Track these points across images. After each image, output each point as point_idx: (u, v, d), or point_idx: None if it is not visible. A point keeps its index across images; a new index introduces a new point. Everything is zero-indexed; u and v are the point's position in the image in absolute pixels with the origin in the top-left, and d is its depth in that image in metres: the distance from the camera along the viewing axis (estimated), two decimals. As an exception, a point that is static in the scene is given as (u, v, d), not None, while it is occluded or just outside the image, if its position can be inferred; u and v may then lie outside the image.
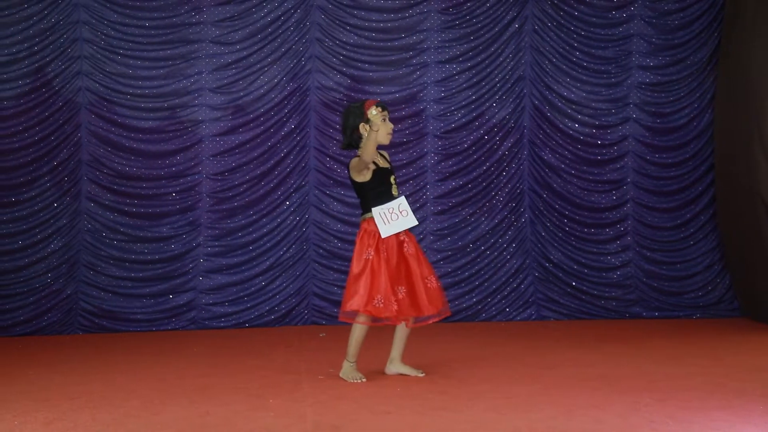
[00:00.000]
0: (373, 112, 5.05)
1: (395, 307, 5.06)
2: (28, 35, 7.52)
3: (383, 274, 5.08)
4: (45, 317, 7.49)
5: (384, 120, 5.09)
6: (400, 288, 5.13)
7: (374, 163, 5.15)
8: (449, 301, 7.89)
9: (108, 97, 7.69)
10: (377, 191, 5.18)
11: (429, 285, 5.20)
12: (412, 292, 5.17)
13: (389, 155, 5.45)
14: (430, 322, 5.29)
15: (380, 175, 5.18)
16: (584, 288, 8.11)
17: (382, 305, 5.04)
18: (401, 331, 5.34)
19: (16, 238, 7.54)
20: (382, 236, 5.13)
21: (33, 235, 7.55)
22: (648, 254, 8.24)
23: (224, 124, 7.83)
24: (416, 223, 5.21)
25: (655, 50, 8.21)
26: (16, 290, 7.48)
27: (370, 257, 5.11)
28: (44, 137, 7.58)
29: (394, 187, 5.22)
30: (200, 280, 7.75)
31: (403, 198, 5.19)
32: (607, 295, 8.13)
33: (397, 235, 5.18)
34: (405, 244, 5.20)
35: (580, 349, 6.40)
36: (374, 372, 5.42)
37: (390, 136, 5.17)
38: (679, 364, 5.69)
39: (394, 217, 5.14)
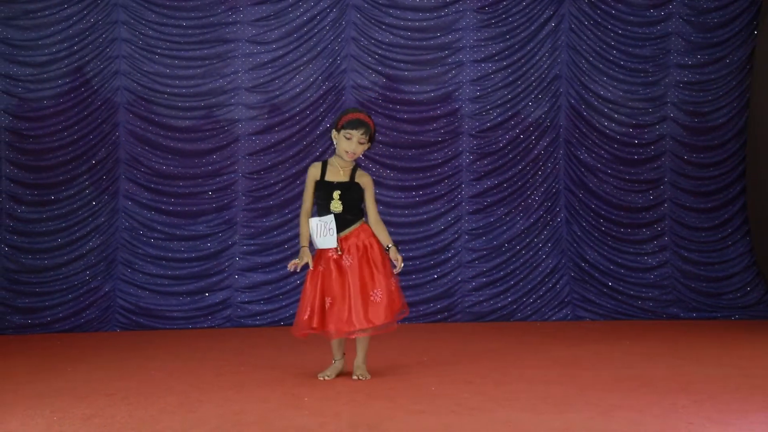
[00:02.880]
0: (340, 130, 5.10)
1: (313, 323, 5.10)
2: (68, 35, 7.62)
3: (313, 288, 5.13)
4: (84, 314, 7.57)
5: (348, 138, 5.09)
6: (327, 299, 5.13)
7: (322, 173, 5.15)
8: (485, 300, 7.93)
9: (145, 97, 7.76)
10: (319, 203, 5.19)
11: (372, 298, 5.13)
12: (342, 302, 5.12)
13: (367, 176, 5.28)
14: (365, 335, 5.21)
15: (324, 187, 5.14)
16: (621, 288, 8.05)
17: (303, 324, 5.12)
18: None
19: (56, 236, 7.64)
20: (316, 248, 5.16)
21: (72, 233, 7.65)
22: (685, 254, 8.16)
23: (260, 123, 7.87)
24: (334, 246, 5.10)
25: (693, 49, 8.13)
26: (56, 287, 7.58)
27: (309, 270, 5.15)
28: (83, 136, 7.67)
29: (334, 202, 5.12)
30: (236, 278, 7.80)
31: (331, 216, 5.11)
32: (644, 295, 8.06)
33: (354, 238, 5.16)
34: (348, 255, 5.14)
35: (617, 349, 6.35)
36: (407, 370, 5.41)
37: (348, 155, 5.11)
38: (718, 365, 5.63)
39: (324, 231, 5.12)
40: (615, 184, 8.14)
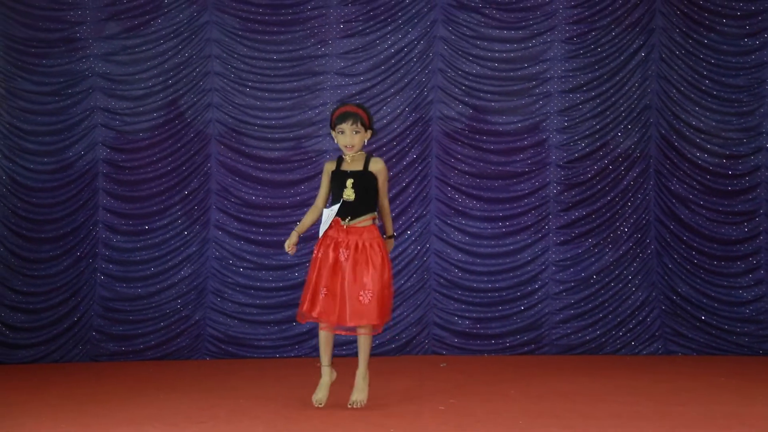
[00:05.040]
0: (334, 128, 5.25)
1: (313, 313, 5.18)
2: (163, 69, 7.86)
3: (311, 276, 5.22)
4: (174, 342, 7.73)
5: (342, 132, 5.20)
6: (322, 288, 5.17)
7: (337, 165, 5.27)
8: (573, 333, 7.81)
9: (237, 129, 7.93)
10: (333, 192, 5.29)
11: (361, 299, 5.12)
12: (333, 297, 5.15)
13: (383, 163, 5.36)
14: (356, 333, 5.28)
15: (338, 176, 5.25)
16: (714, 323, 7.84)
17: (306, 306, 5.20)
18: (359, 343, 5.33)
19: (149, 265, 7.84)
20: (320, 234, 5.25)
21: (164, 262, 7.84)
22: (783, 289, 7.91)
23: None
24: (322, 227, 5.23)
25: (790, 78, 7.93)
26: (148, 315, 7.77)
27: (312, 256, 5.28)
28: (176, 167, 7.87)
29: (347, 190, 5.19)
30: (323, 307, 7.84)
31: (336, 206, 5.20)
32: (738, 330, 7.83)
33: (356, 236, 5.18)
34: (346, 249, 5.16)
35: (710, 385, 6.18)
36: (494, 403, 5.37)
37: (347, 149, 5.23)
38: (818, 404, 5.43)
39: (330, 217, 5.21)
40: (708, 215, 7.95)
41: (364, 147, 5.31)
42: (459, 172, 7.95)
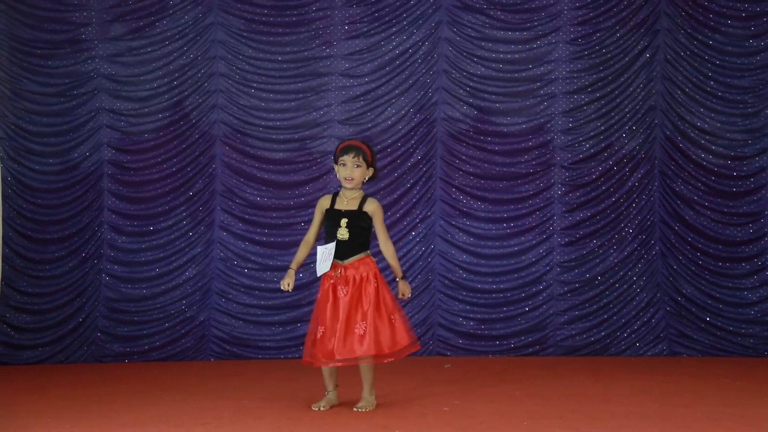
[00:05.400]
0: (336, 161, 5.31)
1: (314, 350, 5.22)
2: (168, 71, 7.86)
3: (319, 315, 5.26)
4: (179, 343, 7.74)
5: (343, 165, 5.27)
6: (320, 328, 5.22)
7: (332, 203, 5.32)
8: (578, 334, 7.81)
9: (241, 130, 7.94)
10: (327, 230, 5.33)
11: (356, 330, 5.18)
12: (331, 335, 5.19)
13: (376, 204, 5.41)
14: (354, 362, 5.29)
15: (332, 215, 5.30)
16: (719, 324, 7.83)
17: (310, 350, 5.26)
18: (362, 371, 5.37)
19: (154, 266, 7.85)
20: (318, 274, 5.29)
21: (169, 263, 7.85)
22: (788, 290, 7.90)
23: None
24: (327, 270, 5.26)
25: (796, 79, 7.92)
26: (153, 316, 7.77)
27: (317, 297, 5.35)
28: (181, 168, 7.88)
29: (341, 229, 5.25)
30: (327, 308, 7.85)
31: (331, 244, 5.24)
32: (743, 331, 7.82)
33: (353, 270, 5.26)
34: (345, 286, 5.23)
35: (716, 386, 6.18)
36: (499, 404, 5.37)
37: (347, 181, 5.29)
38: (823, 406, 5.42)
39: (326, 257, 5.26)
40: (713, 217, 7.94)
41: (363, 186, 5.40)
42: (463, 173, 7.95)
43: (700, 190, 7.94)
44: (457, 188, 7.93)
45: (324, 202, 5.38)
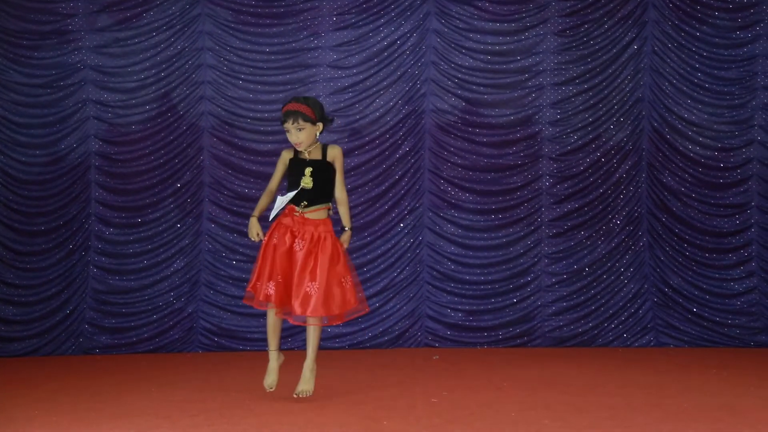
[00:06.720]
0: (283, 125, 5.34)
1: (269, 291, 5.19)
2: (156, 62, 7.83)
3: (265, 260, 5.24)
4: (167, 335, 7.73)
5: (288, 131, 5.31)
6: (277, 275, 5.21)
7: (295, 153, 5.35)
8: (566, 325, 7.84)
9: (229, 121, 7.92)
10: (290, 179, 5.35)
11: (308, 289, 5.17)
12: (285, 285, 5.21)
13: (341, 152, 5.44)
14: (304, 323, 5.33)
15: (296, 164, 5.33)
16: (706, 315, 7.87)
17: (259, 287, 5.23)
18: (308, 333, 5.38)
19: (142, 258, 7.83)
20: (269, 218, 5.31)
21: (157, 254, 7.83)
22: (774, 281, 7.95)
23: (340, 147, 7.92)
24: (274, 212, 5.31)
25: (782, 71, 7.95)
26: (141, 308, 7.76)
27: (264, 240, 5.30)
28: (168, 160, 7.86)
29: (305, 178, 5.26)
30: (316, 300, 7.85)
31: (291, 193, 5.26)
32: (730, 322, 7.87)
33: (312, 227, 5.24)
34: (301, 240, 5.22)
35: (702, 377, 6.21)
36: (486, 395, 5.38)
37: (298, 146, 5.33)
38: (808, 396, 5.46)
39: (283, 204, 5.28)
40: (699, 208, 7.97)
41: (318, 138, 5.39)
42: (452, 164, 7.95)
43: (687, 182, 7.97)
44: (446, 180, 7.93)
45: (287, 154, 5.41)
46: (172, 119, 7.88)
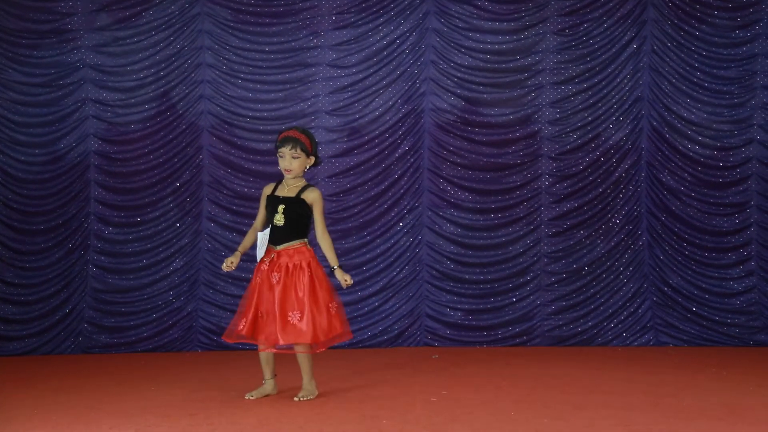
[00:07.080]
0: (277, 151, 5.37)
1: (243, 332, 5.30)
2: (155, 61, 7.83)
3: (249, 299, 5.36)
4: (167, 334, 7.73)
5: (281, 156, 5.34)
6: (261, 311, 5.30)
7: (273, 189, 5.40)
8: (565, 324, 7.84)
9: (228, 120, 7.91)
10: (268, 217, 5.39)
11: (289, 319, 5.24)
12: (269, 319, 5.28)
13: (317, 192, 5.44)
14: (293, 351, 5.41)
15: (271, 201, 5.37)
16: (705, 314, 7.87)
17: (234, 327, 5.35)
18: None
19: (141, 257, 7.83)
20: (257, 259, 5.37)
21: (156, 254, 7.83)
22: (773, 280, 7.95)
23: (339, 146, 7.95)
24: (260, 257, 5.38)
25: (781, 70, 7.95)
26: (140, 307, 7.76)
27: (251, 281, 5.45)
28: (168, 159, 7.86)
29: (278, 215, 5.30)
30: (315, 299, 7.84)
31: (267, 230, 5.33)
32: (729, 321, 7.87)
33: (286, 258, 5.30)
34: (277, 273, 5.29)
35: (702, 376, 6.21)
36: (486, 394, 5.38)
37: (286, 172, 5.36)
38: (808, 395, 5.46)
39: (263, 243, 5.35)
40: (699, 207, 7.98)
41: (305, 173, 5.46)
42: (451, 163, 7.95)
43: (686, 181, 7.97)
44: (445, 179, 7.93)
45: (267, 189, 5.46)
46: (171, 118, 7.88)
